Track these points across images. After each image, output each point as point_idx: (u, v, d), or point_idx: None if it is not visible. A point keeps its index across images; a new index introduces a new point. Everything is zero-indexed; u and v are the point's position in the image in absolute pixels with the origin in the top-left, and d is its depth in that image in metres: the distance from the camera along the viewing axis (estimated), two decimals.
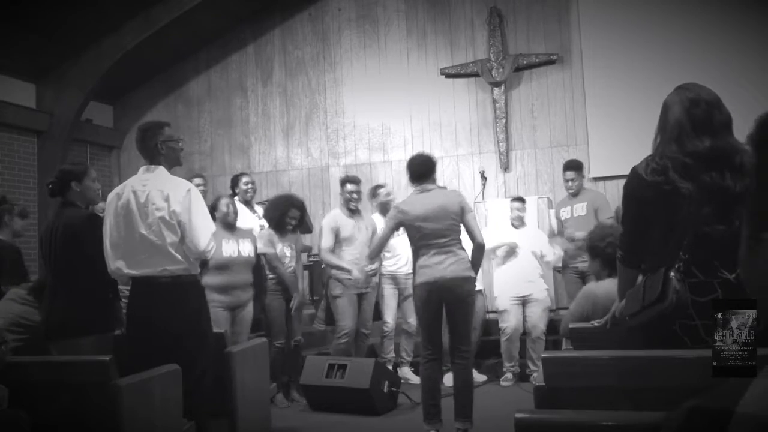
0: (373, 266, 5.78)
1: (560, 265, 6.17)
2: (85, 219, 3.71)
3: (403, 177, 6.81)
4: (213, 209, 5.11)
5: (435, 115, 8.11)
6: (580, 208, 6.07)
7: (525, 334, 6.04)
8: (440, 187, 4.48)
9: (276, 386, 5.34)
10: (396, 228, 4.41)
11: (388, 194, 6.03)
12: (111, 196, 3.55)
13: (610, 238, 3.34)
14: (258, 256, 5.44)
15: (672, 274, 2.26)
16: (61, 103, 7.85)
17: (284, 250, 5.52)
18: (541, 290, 5.99)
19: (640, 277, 2.50)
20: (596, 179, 7.36)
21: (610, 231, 3.45)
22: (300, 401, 5.44)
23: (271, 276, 5.48)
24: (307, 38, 8.60)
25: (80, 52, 7.78)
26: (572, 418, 2.03)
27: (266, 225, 5.78)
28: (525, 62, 7.68)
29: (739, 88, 5.82)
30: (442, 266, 4.13)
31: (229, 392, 3.94)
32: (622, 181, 2.59)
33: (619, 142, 7.00)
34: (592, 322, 3.20)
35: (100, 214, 3.78)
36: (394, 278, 6.00)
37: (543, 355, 2.43)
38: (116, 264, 3.43)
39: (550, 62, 7.66)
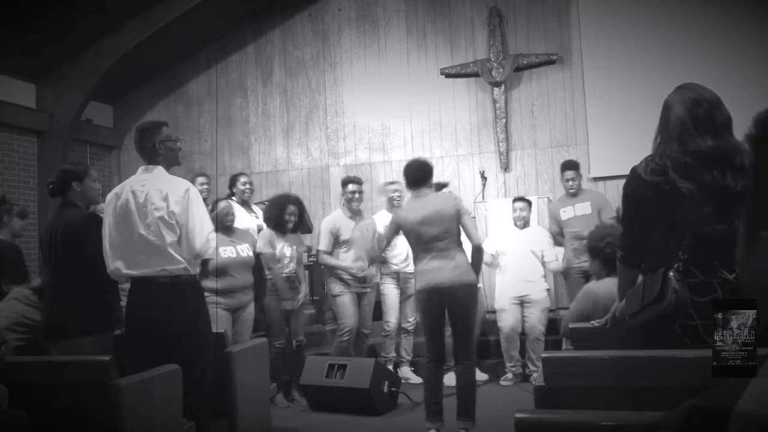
0: (373, 271, 5.80)
1: (563, 268, 6.17)
2: (85, 219, 3.71)
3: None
4: (211, 212, 5.12)
5: (435, 115, 8.10)
6: (584, 207, 6.08)
7: (524, 334, 6.05)
8: (439, 190, 4.52)
9: (276, 386, 5.35)
10: (394, 234, 4.52)
11: (396, 190, 6.02)
12: (110, 196, 3.55)
13: (609, 238, 3.35)
14: (258, 256, 5.45)
15: (671, 274, 2.26)
16: (61, 103, 7.85)
17: (284, 250, 5.51)
18: (540, 291, 5.98)
19: (640, 277, 2.50)
20: (596, 179, 7.36)
21: (610, 231, 3.46)
22: (300, 401, 5.44)
23: (270, 276, 5.48)
24: (307, 38, 8.60)
25: (80, 52, 7.78)
26: (572, 418, 2.03)
27: (264, 226, 5.79)
28: (525, 62, 7.68)
29: (739, 88, 5.82)
30: (441, 272, 4.14)
31: (229, 392, 3.94)
32: (622, 181, 2.59)
33: (619, 142, 7.00)
34: (592, 322, 3.20)
35: (101, 215, 3.78)
36: (396, 277, 6.01)
37: (543, 355, 2.44)
38: (115, 264, 3.43)
39: (550, 62, 7.65)
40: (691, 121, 2.36)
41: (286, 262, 5.50)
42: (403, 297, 6.03)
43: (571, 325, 3.37)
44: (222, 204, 5.41)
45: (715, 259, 2.26)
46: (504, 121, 7.73)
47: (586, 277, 5.72)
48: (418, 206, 4.30)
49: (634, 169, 2.45)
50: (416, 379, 5.78)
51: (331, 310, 6.11)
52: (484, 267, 6.07)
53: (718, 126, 2.36)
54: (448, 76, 7.99)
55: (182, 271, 3.43)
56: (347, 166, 8.25)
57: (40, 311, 3.90)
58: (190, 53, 8.88)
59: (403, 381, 5.51)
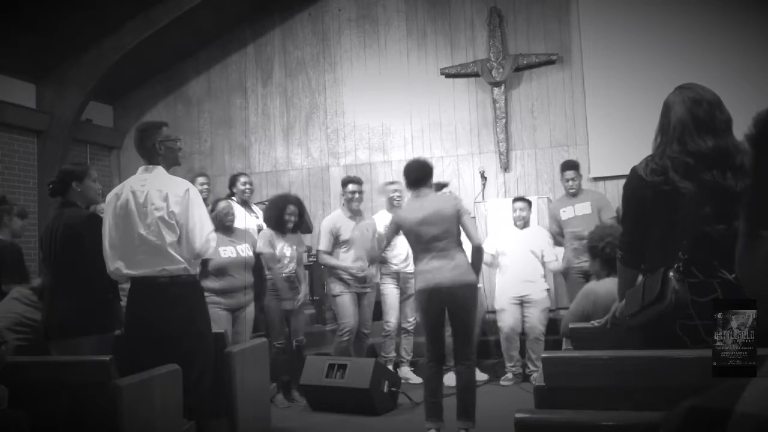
0: (373, 271, 5.80)
1: (563, 268, 6.17)
2: (85, 219, 3.71)
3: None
4: (211, 212, 5.12)
5: (435, 115, 8.10)
6: (584, 207, 6.08)
7: (524, 334, 6.04)
8: (439, 190, 4.52)
9: (276, 386, 5.35)
10: (394, 234, 4.53)
11: (396, 190, 6.02)
12: (110, 196, 3.55)
13: (609, 238, 3.36)
14: (258, 256, 5.45)
15: (671, 274, 2.27)
16: (61, 103, 7.85)
17: (284, 250, 5.51)
18: (540, 291, 5.98)
19: (640, 277, 2.50)
20: (596, 179, 7.36)
21: (610, 231, 3.47)
22: (300, 401, 5.44)
23: (270, 276, 5.48)
24: (307, 38, 8.60)
25: (80, 52, 7.78)
26: (572, 418, 2.03)
27: (264, 226, 5.80)
28: (525, 62, 7.68)
29: (739, 88, 5.83)
30: (440, 272, 4.14)
31: (229, 392, 3.94)
32: (622, 181, 2.59)
33: (619, 142, 7.00)
34: (592, 322, 3.20)
35: (101, 215, 3.78)
36: (396, 277, 6.01)
37: (543, 355, 2.44)
38: (115, 264, 3.43)
39: (550, 62, 7.65)
40: (692, 122, 2.36)
41: (286, 262, 5.50)
42: (403, 297, 6.04)
43: (571, 325, 3.37)
44: (222, 204, 5.42)
45: (715, 259, 2.26)
46: (504, 121, 7.73)
47: (586, 277, 5.72)
48: (418, 206, 4.31)
49: (634, 169, 2.45)
50: (416, 379, 5.78)
51: (331, 310, 6.12)
52: (484, 267, 6.08)
53: (719, 126, 2.37)
54: (448, 76, 7.99)
55: (182, 271, 3.43)
56: (347, 166, 8.25)
57: (41, 311, 3.90)
58: (190, 53, 8.88)
59: (403, 381, 5.51)
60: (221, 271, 5.15)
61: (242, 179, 6.30)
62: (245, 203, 6.27)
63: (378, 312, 6.11)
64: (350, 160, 8.37)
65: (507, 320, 5.97)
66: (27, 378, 3.04)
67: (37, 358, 3.45)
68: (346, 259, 5.70)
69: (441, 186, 5.86)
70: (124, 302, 3.67)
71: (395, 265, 5.98)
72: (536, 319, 5.90)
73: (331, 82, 8.50)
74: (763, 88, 6.27)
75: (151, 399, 3.12)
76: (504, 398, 5.37)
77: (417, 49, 8.18)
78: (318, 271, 6.78)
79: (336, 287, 5.67)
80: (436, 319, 4.25)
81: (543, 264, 6.03)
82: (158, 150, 3.54)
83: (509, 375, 5.96)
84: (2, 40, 6.97)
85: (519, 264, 5.96)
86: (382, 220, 6.05)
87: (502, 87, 7.71)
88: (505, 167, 7.79)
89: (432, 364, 4.29)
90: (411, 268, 5.24)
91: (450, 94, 8.03)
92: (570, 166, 6.31)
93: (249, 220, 6.12)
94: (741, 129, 0.92)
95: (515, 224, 6.11)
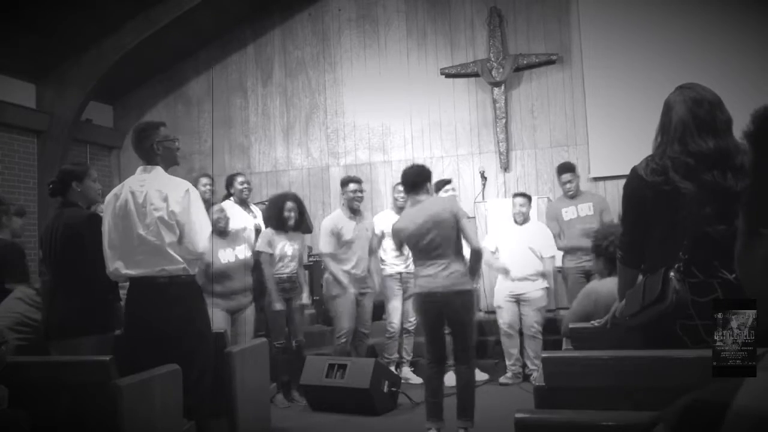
0: (377, 280, 5.81)
1: (559, 265, 6.16)
2: (85, 219, 3.71)
3: None
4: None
5: (435, 115, 8.10)
6: (587, 208, 6.08)
7: (522, 332, 6.05)
8: (441, 187, 4.52)
9: (276, 386, 5.35)
10: (399, 243, 4.53)
11: (401, 191, 6.02)
12: (109, 196, 3.55)
13: (613, 237, 3.36)
14: (257, 254, 5.45)
15: (672, 274, 2.27)
16: (61, 103, 7.85)
17: (286, 249, 5.50)
18: (537, 289, 5.97)
19: (640, 277, 2.50)
20: (596, 179, 7.36)
21: (614, 230, 3.47)
22: (300, 401, 5.44)
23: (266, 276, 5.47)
24: (307, 38, 8.60)
25: (80, 52, 7.78)
26: (572, 418, 2.03)
27: (263, 227, 5.79)
28: (525, 62, 7.68)
29: (739, 88, 5.82)
30: (435, 278, 4.16)
31: (229, 392, 3.94)
32: (622, 181, 2.59)
33: (619, 142, 7.00)
34: (592, 322, 3.20)
35: (101, 215, 3.78)
36: (399, 278, 6.00)
37: (543, 355, 2.44)
38: (114, 264, 3.43)
39: (550, 62, 7.65)
40: (693, 122, 2.36)
41: (287, 261, 5.50)
42: (405, 297, 6.03)
43: (571, 325, 3.37)
44: (215, 206, 5.40)
45: (716, 259, 2.26)
46: (504, 121, 7.73)
47: (587, 276, 5.73)
48: (414, 213, 4.33)
49: (634, 170, 2.45)
50: (416, 380, 5.78)
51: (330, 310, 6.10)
52: (484, 267, 6.09)
53: (719, 127, 2.37)
54: (448, 76, 7.99)
55: (181, 272, 3.43)
56: (347, 166, 8.25)
57: (42, 312, 3.90)
58: (190, 53, 8.88)
59: (403, 381, 5.51)
60: (224, 276, 5.15)
61: (239, 179, 6.30)
62: (244, 203, 6.27)
63: (380, 312, 6.11)
64: (350, 160, 8.37)
65: (505, 317, 5.99)
66: (27, 378, 3.04)
67: (37, 358, 3.45)
68: (347, 260, 5.68)
69: (444, 183, 5.87)
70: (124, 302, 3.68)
71: (396, 265, 5.97)
72: (532, 318, 5.91)
73: (331, 82, 8.50)
74: (763, 88, 6.27)
75: (151, 399, 3.12)
76: (504, 398, 5.37)
77: (417, 49, 8.18)
78: (318, 271, 6.78)
79: (334, 289, 5.65)
80: (434, 322, 4.27)
81: (541, 258, 6.00)
82: (156, 150, 3.54)
83: (509, 374, 5.96)
84: (2, 40, 6.97)
85: (517, 261, 5.96)
86: (382, 220, 6.06)
87: (502, 87, 7.71)
88: (505, 167, 7.79)
89: (432, 365, 4.31)
90: (412, 268, 5.24)
91: (450, 94, 8.03)
92: (566, 168, 6.30)
93: (247, 219, 6.12)
94: (741, 129, 0.92)
95: (515, 220, 6.12)
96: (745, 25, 6.93)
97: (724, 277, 2.26)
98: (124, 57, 7.83)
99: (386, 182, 8.05)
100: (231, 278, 5.19)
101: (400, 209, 5.84)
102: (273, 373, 4.98)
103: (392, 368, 5.82)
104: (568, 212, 6.14)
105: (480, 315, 6.48)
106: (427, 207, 4.29)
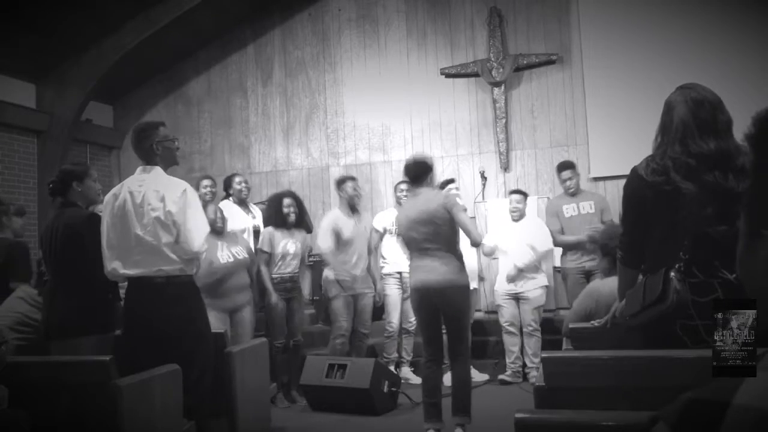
0: (377, 282, 5.82)
1: (558, 265, 6.16)
2: (85, 219, 3.71)
3: (403, 177, 6.83)
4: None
5: (435, 115, 8.10)
6: (588, 206, 6.07)
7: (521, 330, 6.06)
8: (444, 187, 4.52)
9: (276, 386, 5.34)
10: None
11: (403, 190, 6.02)
12: (108, 196, 3.55)
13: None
14: (257, 253, 5.45)
15: (672, 274, 2.27)
16: (61, 103, 7.85)
17: (288, 247, 5.49)
18: (535, 288, 5.97)
19: (641, 278, 2.50)
20: (596, 179, 7.36)
21: (620, 230, 3.48)
22: (300, 401, 5.44)
23: (274, 275, 5.47)
24: (307, 38, 8.60)
25: (80, 52, 7.78)
26: (572, 418, 2.03)
27: (262, 227, 5.79)
28: (525, 62, 7.67)
29: (739, 88, 5.82)
30: (428, 270, 4.15)
31: (229, 392, 3.94)
32: (622, 181, 2.59)
33: (619, 142, 7.00)
34: (592, 322, 3.21)
35: (101, 214, 3.78)
36: (398, 277, 6.00)
37: (543, 355, 2.44)
38: (112, 264, 3.43)
39: (550, 62, 7.65)
40: (694, 123, 2.36)
41: (288, 259, 5.49)
42: (404, 297, 6.03)
43: (571, 325, 3.37)
44: (211, 207, 5.38)
45: (716, 260, 2.26)
46: (504, 121, 7.73)
47: (587, 277, 5.73)
48: (412, 205, 4.34)
49: (634, 170, 2.45)
50: (416, 380, 5.77)
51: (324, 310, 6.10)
52: (485, 268, 6.10)
53: (720, 128, 2.37)
54: (448, 76, 7.99)
55: (178, 272, 3.42)
56: (347, 166, 8.25)
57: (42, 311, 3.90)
58: (190, 53, 8.88)
59: (403, 381, 5.51)
60: (223, 278, 5.13)
61: (237, 179, 6.30)
62: (243, 203, 6.27)
63: (380, 312, 6.11)
64: (350, 160, 8.37)
65: (505, 315, 6.01)
66: (27, 378, 3.04)
67: (37, 358, 3.45)
68: (347, 258, 5.68)
69: (447, 183, 5.87)
70: None
71: (396, 264, 5.97)
72: (530, 317, 5.92)
73: (331, 82, 8.50)
74: (763, 88, 6.27)
75: (151, 399, 3.12)
76: (504, 398, 5.37)
77: (417, 49, 8.18)
78: (318, 272, 6.78)
79: (333, 289, 5.64)
80: (430, 318, 4.25)
81: (533, 250, 5.98)
82: (156, 150, 3.54)
83: (508, 372, 5.96)
84: (2, 40, 6.97)
85: (514, 259, 5.96)
86: (386, 218, 6.06)
87: (502, 87, 7.70)
88: (505, 167, 7.79)
89: (429, 364, 4.28)
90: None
91: (450, 94, 8.03)
92: (566, 166, 6.29)
93: (245, 219, 6.12)
94: (741, 129, 0.92)
95: (511, 217, 6.13)
96: (745, 25, 6.93)
97: (725, 277, 2.26)
98: (124, 57, 7.83)
99: (386, 182, 8.05)
100: (228, 278, 5.16)
101: (352, 210, 5.83)
102: (273, 373, 4.98)
103: (391, 368, 5.82)
104: (569, 209, 6.13)
105: (480, 315, 6.49)
106: (422, 201, 4.28)
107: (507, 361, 6.01)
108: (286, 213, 5.51)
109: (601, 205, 6.12)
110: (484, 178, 7.76)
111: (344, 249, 5.65)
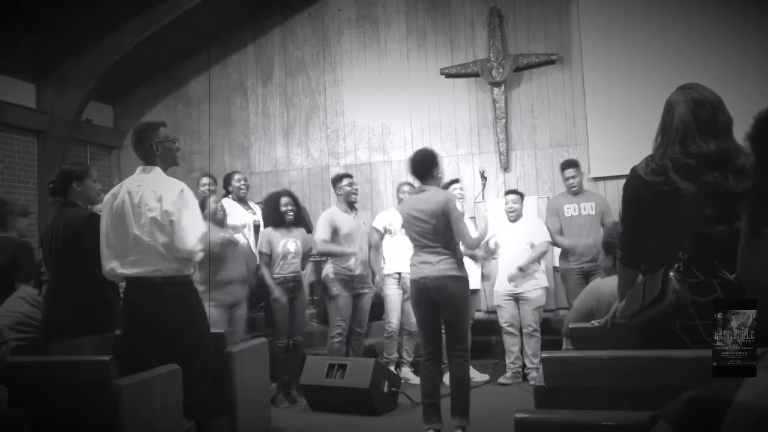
0: (378, 279, 5.80)
1: (557, 265, 6.16)
2: (85, 219, 3.71)
3: (403, 177, 6.84)
4: (201, 209, 5.09)
5: (435, 115, 8.10)
6: (589, 207, 6.07)
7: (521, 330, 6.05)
8: (447, 187, 4.55)
9: (276, 386, 5.34)
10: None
11: (405, 192, 6.03)
12: (107, 196, 3.55)
13: None
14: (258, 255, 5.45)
15: (672, 274, 2.26)
16: (61, 103, 7.85)
17: (288, 246, 5.49)
18: (534, 288, 5.97)
19: (640, 277, 2.50)
20: (596, 179, 7.36)
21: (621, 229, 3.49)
22: (300, 401, 5.44)
23: (276, 275, 5.46)
24: (307, 38, 8.60)
25: (80, 52, 7.78)
26: (572, 418, 2.03)
27: (262, 224, 5.79)
28: (525, 62, 7.67)
29: (739, 88, 5.82)
30: (426, 265, 4.18)
31: (229, 392, 3.94)
32: (622, 181, 2.59)
33: (619, 142, 7.00)
34: (592, 322, 3.21)
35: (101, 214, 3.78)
36: (398, 277, 6.00)
37: (543, 355, 2.44)
38: (110, 264, 3.43)
39: (550, 62, 7.65)
40: (694, 123, 2.36)
41: (290, 258, 5.49)
42: (405, 297, 6.02)
43: (571, 325, 3.37)
44: (212, 197, 5.37)
45: (716, 259, 2.26)
46: (504, 121, 7.73)
47: (586, 277, 5.73)
48: (414, 200, 4.39)
49: (634, 170, 2.45)
50: (416, 380, 5.75)
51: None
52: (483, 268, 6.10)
53: (720, 128, 2.36)
54: (448, 76, 7.99)
55: (176, 272, 3.42)
56: (347, 166, 8.24)
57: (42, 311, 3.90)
58: (190, 53, 8.88)
59: (403, 381, 5.51)
60: (218, 259, 5.02)
61: (236, 176, 6.32)
62: (242, 200, 6.28)
63: (380, 312, 6.10)
64: (350, 160, 8.37)
65: (505, 316, 6.02)
66: (27, 378, 3.04)
67: (37, 358, 3.44)
68: (346, 259, 5.67)
69: (451, 183, 5.91)
70: None
71: (395, 265, 5.97)
72: (529, 317, 5.92)
73: (331, 82, 8.50)
74: (763, 88, 6.27)
75: (151, 399, 3.11)
76: (504, 398, 5.37)
77: (417, 49, 8.18)
78: (318, 271, 6.78)
79: (333, 288, 5.64)
80: (428, 315, 4.25)
81: (532, 247, 5.98)
82: (156, 151, 3.53)
83: (508, 373, 5.96)
84: (2, 40, 6.97)
85: (512, 260, 5.96)
86: (387, 217, 6.06)
87: (502, 87, 7.70)
88: (505, 167, 7.79)
89: (427, 363, 4.27)
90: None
91: (450, 94, 8.03)
92: (569, 164, 6.31)
93: (245, 216, 6.13)
94: (741, 129, 0.92)
95: (508, 218, 6.13)
96: (745, 25, 6.93)
97: (725, 277, 2.26)
98: (124, 57, 7.83)
99: (386, 182, 8.06)
100: (227, 265, 5.12)
101: (350, 207, 5.84)
102: (273, 373, 4.98)
103: (391, 368, 5.82)
104: (570, 209, 6.14)
105: (480, 315, 6.49)
106: (424, 197, 4.31)
107: (507, 361, 6.01)
108: (283, 212, 5.52)
109: (602, 207, 6.12)
110: (484, 178, 7.75)
111: (343, 245, 5.65)
